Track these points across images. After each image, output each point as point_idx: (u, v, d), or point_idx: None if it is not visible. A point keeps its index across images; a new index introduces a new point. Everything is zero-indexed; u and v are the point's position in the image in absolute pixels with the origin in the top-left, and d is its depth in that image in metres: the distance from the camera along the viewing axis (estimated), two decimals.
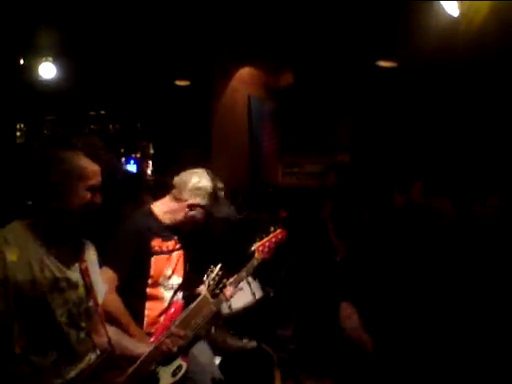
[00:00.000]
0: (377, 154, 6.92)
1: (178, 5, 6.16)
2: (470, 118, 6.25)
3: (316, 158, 7.65)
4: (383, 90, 7.05)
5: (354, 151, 7.47)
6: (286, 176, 8.23)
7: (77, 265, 2.13)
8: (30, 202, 2.08)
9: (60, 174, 2.01)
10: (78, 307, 2.10)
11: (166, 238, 2.97)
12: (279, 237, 3.43)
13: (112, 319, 2.55)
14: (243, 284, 3.56)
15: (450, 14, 4.32)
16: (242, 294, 3.59)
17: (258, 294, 3.74)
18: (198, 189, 2.95)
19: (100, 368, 2.14)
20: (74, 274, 2.11)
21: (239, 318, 3.69)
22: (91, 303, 2.16)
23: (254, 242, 3.34)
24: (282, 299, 4.47)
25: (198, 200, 2.95)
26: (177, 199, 2.99)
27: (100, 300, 2.26)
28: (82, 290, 2.12)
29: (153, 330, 2.84)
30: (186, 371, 2.82)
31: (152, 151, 10.99)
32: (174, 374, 2.76)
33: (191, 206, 2.96)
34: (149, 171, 10.38)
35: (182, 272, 3.07)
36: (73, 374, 2.07)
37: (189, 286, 3.14)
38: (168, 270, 2.97)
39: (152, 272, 2.90)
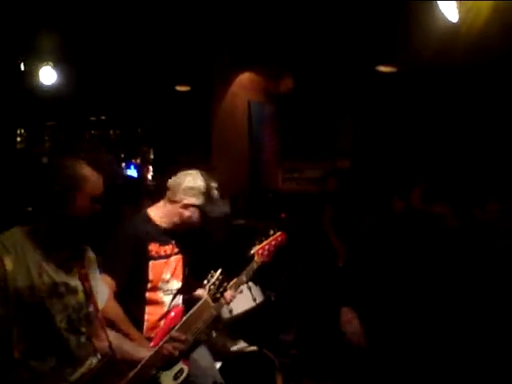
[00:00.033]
0: (377, 159, 6.92)
1: (178, 10, 6.18)
2: (470, 123, 6.26)
3: (316, 164, 7.64)
4: (383, 95, 7.06)
5: (354, 156, 7.47)
6: (286, 181, 8.23)
7: (76, 270, 2.13)
8: (30, 208, 2.09)
9: (62, 183, 2.03)
10: (77, 312, 2.11)
11: (163, 243, 2.97)
12: (279, 240, 3.43)
13: (111, 325, 2.55)
14: (244, 289, 3.56)
15: (449, 19, 4.32)
16: (243, 299, 3.58)
17: (259, 299, 3.73)
18: (192, 189, 2.96)
19: (101, 372, 2.14)
20: (73, 280, 2.11)
21: (240, 323, 3.68)
22: (91, 308, 2.16)
23: (254, 245, 3.34)
24: (283, 304, 4.46)
25: (192, 200, 2.95)
26: (171, 201, 2.99)
27: (101, 305, 2.26)
28: (81, 296, 2.13)
29: (153, 335, 2.85)
30: (188, 375, 2.82)
31: (152, 156, 11.00)
32: (175, 377, 2.75)
33: (186, 207, 2.96)
34: (149, 176, 10.39)
35: (181, 276, 3.07)
36: (73, 378, 2.07)
37: (188, 291, 3.14)
38: (166, 274, 2.96)
39: (151, 277, 2.90)
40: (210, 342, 3.41)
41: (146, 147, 11.27)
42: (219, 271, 2.90)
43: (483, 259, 3.24)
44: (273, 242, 3.39)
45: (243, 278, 3.25)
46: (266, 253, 3.32)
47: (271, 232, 3.44)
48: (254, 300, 3.69)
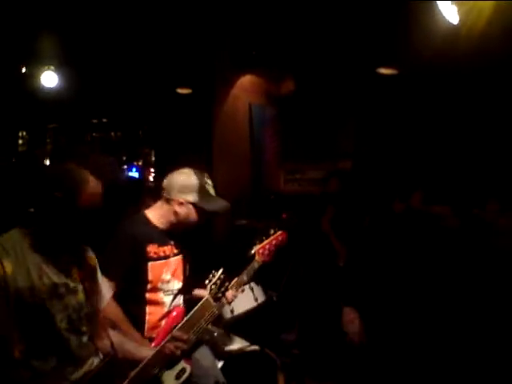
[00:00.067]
0: (379, 161, 6.93)
1: (180, 13, 6.19)
2: (470, 124, 6.26)
3: (318, 165, 7.65)
4: (384, 97, 7.07)
5: (356, 158, 7.47)
6: (288, 183, 8.23)
7: (76, 271, 2.15)
8: (31, 210, 2.11)
9: (64, 190, 2.05)
10: (78, 312, 2.12)
11: (162, 244, 2.97)
12: (279, 239, 3.42)
13: (111, 326, 2.55)
14: (246, 289, 3.55)
15: (450, 20, 4.33)
16: (245, 299, 3.58)
17: (261, 299, 3.73)
18: (186, 187, 2.95)
19: (103, 372, 2.15)
20: (73, 280, 2.12)
21: (242, 323, 3.68)
22: (92, 308, 2.17)
23: (254, 244, 3.34)
24: (285, 304, 4.47)
25: (187, 197, 2.94)
26: (167, 201, 2.99)
27: (102, 305, 2.27)
28: (81, 296, 2.14)
29: (154, 335, 2.84)
30: (190, 374, 2.82)
31: (154, 158, 10.99)
32: (177, 376, 2.76)
33: (182, 205, 2.95)
34: (151, 178, 10.39)
35: (182, 277, 3.06)
36: (75, 378, 2.08)
37: (189, 291, 3.14)
38: (166, 275, 2.96)
39: (150, 277, 2.90)
40: (211, 341, 3.41)
41: (148, 149, 11.26)
42: (221, 271, 2.89)
43: (483, 259, 3.26)
44: (273, 242, 3.38)
45: (244, 277, 3.25)
46: (266, 252, 3.32)
47: (272, 231, 3.43)
48: (256, 300, 3.69)
